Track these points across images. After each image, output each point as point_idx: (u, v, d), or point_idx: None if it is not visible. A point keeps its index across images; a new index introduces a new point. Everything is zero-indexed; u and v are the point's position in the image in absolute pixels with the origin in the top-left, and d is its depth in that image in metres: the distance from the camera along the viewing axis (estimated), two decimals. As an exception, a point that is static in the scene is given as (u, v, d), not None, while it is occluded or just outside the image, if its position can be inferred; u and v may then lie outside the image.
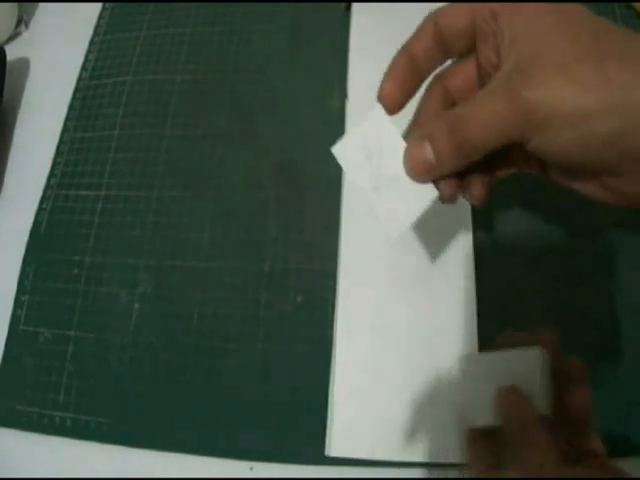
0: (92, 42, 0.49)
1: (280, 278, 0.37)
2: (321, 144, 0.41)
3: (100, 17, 0.50)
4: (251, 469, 0.33)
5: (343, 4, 0.47)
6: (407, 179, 0.23)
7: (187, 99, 0.45)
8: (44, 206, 0.42)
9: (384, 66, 0.45)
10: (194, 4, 0.49)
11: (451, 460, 0.31)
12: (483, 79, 0.22)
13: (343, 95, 0.43)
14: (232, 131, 0.43)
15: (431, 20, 0.23)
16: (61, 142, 0.45)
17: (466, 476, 0.31)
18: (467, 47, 0.23)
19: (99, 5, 0.51)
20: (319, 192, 0.40)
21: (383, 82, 0.24)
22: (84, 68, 0.48)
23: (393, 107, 0.24)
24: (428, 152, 0.21)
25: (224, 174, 0.41)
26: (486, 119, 0.20)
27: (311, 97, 0.43)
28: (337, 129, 0.41)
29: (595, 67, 0.19)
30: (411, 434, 0.32)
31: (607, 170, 0.20)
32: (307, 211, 0.39)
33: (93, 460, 0.34)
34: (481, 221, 0.37)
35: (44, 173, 0.43)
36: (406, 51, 0.23)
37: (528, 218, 0.37)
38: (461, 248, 0.36)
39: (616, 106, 0.18)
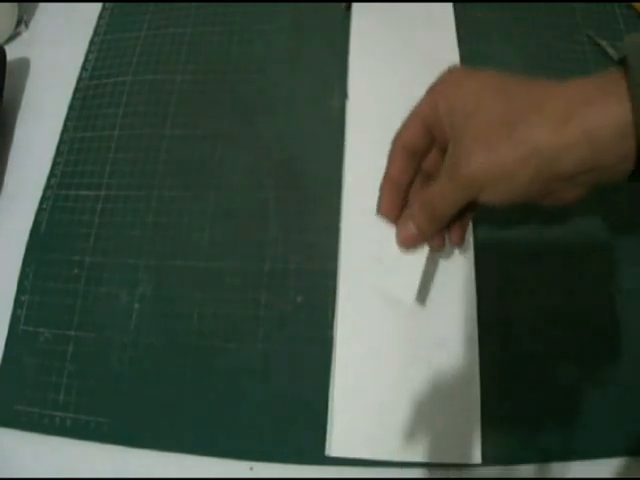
0: (92, 42, 0.49)
1: (280, 278, 0.37)
2: (321, 144, 0.42)
3: (100, 17, 0.50)
4: (251, 469, 0.33)
5: (343, 4, 0.47)
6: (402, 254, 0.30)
7: (187, 99, 0.45)
8: (44, 206, 0.42)
9: (384, 66, 0.46)
10: (194, 4, 0.49)
11: (451, 460, 0.31)
12: (444, 156, 0.28)
13: (343, 95, 0.43)
14: (232, 131, 0.43)
15: (398, 145, 0.30)
16: (61, 142, 0.44)
17: (465, 476, 0.31)
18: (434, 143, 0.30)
19: (99, 5, 0.51)
20: (319, 192, 0.40)
21: (378, 207, 0.31)
22: (84, 68, 0.48)
23: (394, 219, 0.30)
24: (411, 227, 0.29)
25: (224, 174, 0.41)
26: (443, 196, 0.27)
27: (311, 97, 0.43)
28: (337, 129, 0.41)
29: (508, 133, 0.24)
30: (411, 434, 0.32)
31: (536, 198, 0.26)
32: (307, 211, 0.39)
33: (93, 460, 0.34)
34: (481, 221, 0.37)
35: (44, 173, 0.43)
36: (388, 179, 0.30)
37: (528, 218, 0.37)
38: (461, 247, 0.36)
39: (529, 159, 0.24)
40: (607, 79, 0.23)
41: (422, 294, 0.34)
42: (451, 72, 0.28)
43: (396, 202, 0.30)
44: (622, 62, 0.23)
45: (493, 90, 0.26)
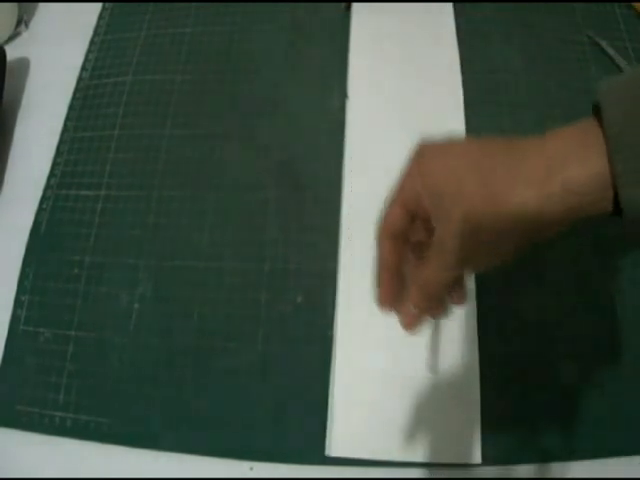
0: (92, 42, 0.49)
1: (280, 278, 0.37)
2: (321, 144, 0.42)
3: (100, 17, 0.50)
4: (251, 469, 0.33)
5: (343, 4, 0.47)
6: None
7: (187, 99, 0.45)
8: (44, 206, 0.42)
9: (384, 66, 0.46)
10: (194, 4, 0.49)
11: (451, 460, 0.31)
12: (430, 232, 0.29)
13: (343, 95, 0.43)
14: (232, 131, 0.43)
15: (383, 235, 0.30)
16: (61, 142, 0.44)
17: (465, 476, 0.31)
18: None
19: (99, 5, 0.51)
20: (319, 192, 0.40)
21: (378, 299, 0.30)
22: (84, 68, 0.48)
23: (390, 306, 0.30)
24: (411, 308, 0.29)
25: (224, 174, 0.41)
26: (436, 276, 0.27)
27: (311, 97, 0.43)
28: (337, 129, 0.41)
29: (494, 207, 0.24)
30: (411, 434, 0.32)
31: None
32: (307, 211, 0.39)
33: (93, 460, 0.34)
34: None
35: (44, 173, 0.43)
36: (383, 267, 0.30)
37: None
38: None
39: (514, 229, 0.25)
40: (584, 131, 0.24)
41: (434, 363, 0.34)
42: (423, 151, 0.28)
43: (394, 288, 0.30)
44: (596, 110, 0.24)
45: (471, 164, 0.26)
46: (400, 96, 0.42)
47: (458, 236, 0.25)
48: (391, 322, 0.35)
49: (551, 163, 0.24)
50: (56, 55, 0.49)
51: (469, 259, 0.26)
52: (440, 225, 0.27)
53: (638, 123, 0.22)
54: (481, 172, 0.25)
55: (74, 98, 0.46)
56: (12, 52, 0.48)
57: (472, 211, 0.25)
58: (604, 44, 0.43)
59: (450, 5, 0.46)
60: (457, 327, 0.34)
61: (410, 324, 0.30)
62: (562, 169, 0.23)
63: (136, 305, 0.37)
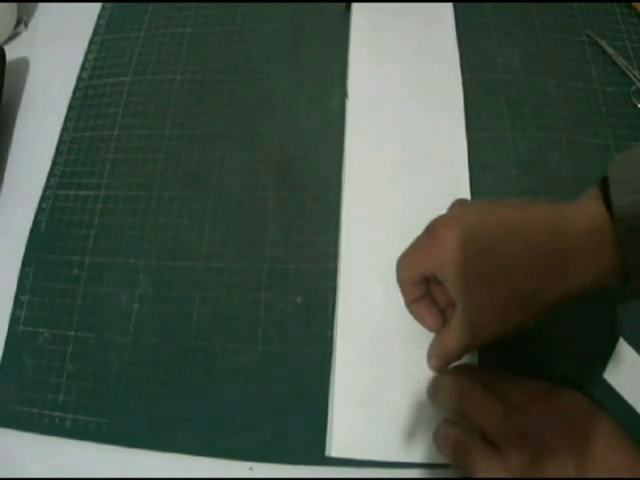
0: (92, 42, 0.49)
1: (280, 278, 0.37)
2: (321, 144, 0.42)
3: (100, 17, 0.50)
4: (251, 469, 0.33)
5: (343, 4, 0.47)
6: None
7: (187, 99, 0.45)
8: (44, 206, 0.42)
9: (384, 66, 0.46)
10: (194, 4, 0.49)
11: (451, 460, 0.31)
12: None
13: (343, 95, 0.43)
14: (232, 131, 0.43)
15: (405, 284, 0.33)
16: (61, 142, 0.44)
17: (465, 476, 0.31)
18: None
19: (99, 5, 0.51)
20: (319, 192, 0.40)
21: (429, 326, 0.33)
22: (84, 68, 0.48)
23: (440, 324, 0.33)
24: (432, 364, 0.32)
25: (224, 174, 0.41)
26: (456, 348, 0.30)
27: (311, 97, 0.43)
28: (337, 129, 0.41)
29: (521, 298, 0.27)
30: (411, 434, 0.32)
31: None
32: (307, 211, 0.39)
33: (93, 460, 0.34)
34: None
35: (44, 173, 0.43)
36: (411, 303, 0.33)
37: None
38: None
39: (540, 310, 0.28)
40: (597, 227, 0.25)
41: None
42: (440, 233, 0.30)
43: (434, 312, 0.32)
44: (607, 203, 0.25)
45: (484, 251, 0.28)
46: (400, 96, 0.42)
47: (481, 323, 0.28)
48: (389, 321, 0.35)
49: (567, 262, 0.26)
50: (56, 55, 0.49)
51: (492, 338, 0.28)
52: (462, 302, 0.29)
53: None
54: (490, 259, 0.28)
55: (74, 98, 0.46)
56: (12, 52, 0.48)
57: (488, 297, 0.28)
58: (604, 44, 0.43)
59: (450, 5, 0.46)
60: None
61: (434, 366, 0.32)
62: (579, 272, 0.26)
63: (136, 305, 0.37)
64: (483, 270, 0.27)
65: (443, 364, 0.31)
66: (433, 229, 0.30)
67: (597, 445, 0.26)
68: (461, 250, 0.28)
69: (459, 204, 0.32)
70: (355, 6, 0.46)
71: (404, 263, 0.32)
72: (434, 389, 0.32)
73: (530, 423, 0.28)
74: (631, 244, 0.24)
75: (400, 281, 0.33)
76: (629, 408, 0.32)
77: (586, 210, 0.26)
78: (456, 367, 0.33)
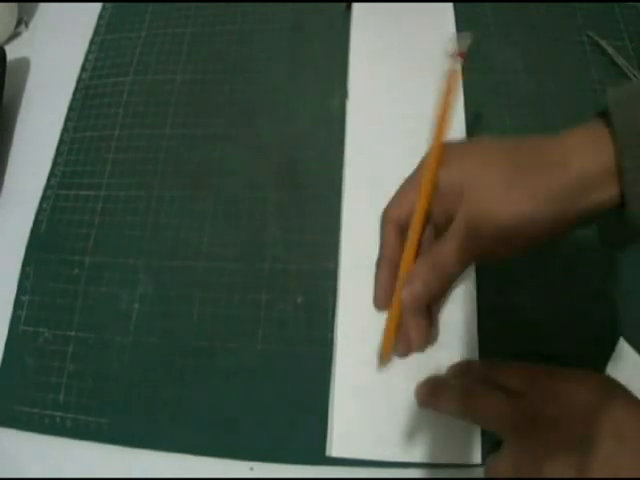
0: (92, 42, 0.49)
1: (280, 278, 0.37)
2: (321, 144, 0.42)
3: (100, 17, 0.50)
4: (251, 469, 0.33)
5: (343, 4, 0.47)
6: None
7: (187, 99, 0.45)
8: (44, 206, 0.42)
9: (384, 66, 0.46)
10: (194, 4, 0.49)
11: (451, 460, 0.31)
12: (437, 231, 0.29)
13: (343, 95, 0.43)
14: (232, 131, 0.43)
15: (390, 222, 0.29)
16: (61, 142, 0.45)
17: (465, 476, 0.31)
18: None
19: (99, 5, 0.51)
20: (319, 192, 0.40)
21: (377, 299, 0.29)
22: (84, 68, 0.48)
23: (387, 306, 0.29)
24: (417, 286, 0.27)
25: (224, 174, 0.41)
26: (455, 254, 0.26)
27: (311, 97, 0.43)
28: (337, 129, 0.41)
29: (521, 183, 0.26)
30: (412, 434, 0.32)
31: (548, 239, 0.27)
32: (307, 211, 0.39)
33: (93, 460, 0.34)
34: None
35: (44, 173, 0.43)
36: (386, 263, 0.29)
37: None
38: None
39: (546, 202, 0.25)
40: (595, 130, 0.26)
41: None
42: (445, 148, 0.28)
43: (393, 288, 0.29)
44: (605, 115, 0.25)
45: (495, 158, 0.27)
46: (400, 96, 0.42)
47: (490, 214, 0.26)
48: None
49: (568, 154, 0.25)
50: (56, 55, 0.49)
51: (500, 237, 0.26)
52: (464, 207, 0.26)
53: None
54: (507, 165, 0.26)
55: (74, 98, 0.46)
56: (12, 52, 0.48)
57: (501, 192, 0.26)
58: (604, 44, 0.43)
59: (450, 5, 0.46)
60: (457, 327, 0.34)
61: (413, 300, 0.27)
62: (579, 160, 0.25)
63: (136, 305, 0.37)
64: (488, 163, 0.27)
65: (438, 277, 0.27)
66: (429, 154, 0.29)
67: (609, 416, 0.26)
68: (464, 157, 0.27)
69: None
70: (355, 6, 0.46)
71: (393, 199, 0.30)
72: (433, 395, 0.32)
73: (536, 407, 0.28)
74: (630, 147, 0.24)
75: (385, 219, 0.30)
76: (629, 408, 0.32)
77: (584, 126, 0.27)
78: (453, 367, 0.33)
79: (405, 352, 0.29)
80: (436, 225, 0.29)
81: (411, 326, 0.28)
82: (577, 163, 0.25)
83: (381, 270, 0.29)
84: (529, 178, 0.26)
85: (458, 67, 0.27)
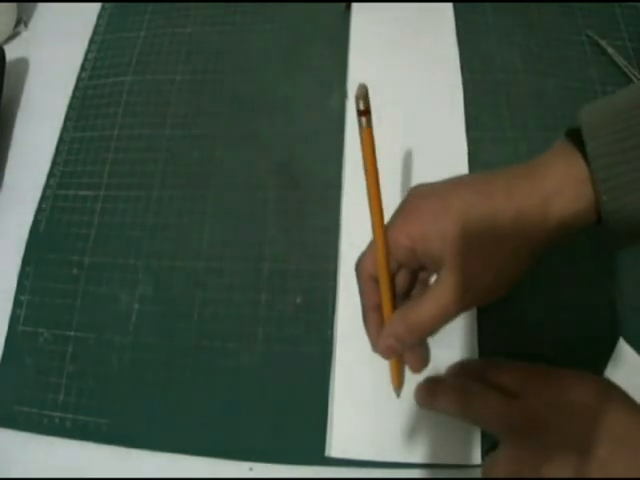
0: (92, 42, 0.49)
1: (280, 278, 0.37)
2: (321, 144, 0.42)
3: (100, 17, 0.50)
4: (251, 469, 0.33)
5: (343, 4, 0.47)
6: None
7: (187, 99, 0.45)
8: (43, 206, 0.42)
9: (384, 66, 0.46)
10: (194, 4, 0.49)
11: (451, 461, 0.31)
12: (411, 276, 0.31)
13: (343, 95, 0.43)
14: (232, 131, 0.43)
15: (365, 276, 0.30)
16: (61, 142, 0.44)
17: (465, 476, 0.31)
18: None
19: (99, 5, 0.51)
20: (319, 192, 0.40)
21: (372, 343, 0.32)
22: (84, 68, 0.48)
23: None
24: (393, 342, 0.29)
25: (224, 174, 0.41)
26: (434, 316, 0.28)
27: (311, 97, 0.43)
28: (337, 129, 0.41)
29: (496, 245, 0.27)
30: (411, 435, 0.32)
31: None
32: (307, 211, 0.39)
33: (93, 460, 0.34)
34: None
35: (43, 173, 0.43)
36: (370, 312, 0.31)
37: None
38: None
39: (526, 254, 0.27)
40: (570, 164, 0.26)
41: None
42: (410, 198, 0.30)
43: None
44: (578, 141, 0.26)
45: (464, 195, 0.28)
46: (400, 96, 0.42)
47: (476, 279, 0.27)
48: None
49: (548, 201, 0.26)
50: (56, 55, 0.49)
51: (470, 285, 0.27)
52: (444, 269, 0.27)
53: (618, 157, 0.25)
54: (476, 194, 0.28)
55: (73, 98, 0.46)
56: (11, 52, 0.48)
57: (469, 212, 0.27)
58: (604, 44, 0.43)
59: (450, 5, 0.46)
60: (457, 327, 0.34)
61: (388, 352, 0.30)
62: (557, 201, 0.26)
63: (136, 305, 0.37)
64: (468, 224, 0.27)
65: (416, 337, 0.29)
66: (408, 201, 0.30)
67: (607, 418, 0.26)
68: (443, 212, 0.28)
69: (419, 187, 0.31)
70: (355, 6, 0.46)
71: (362, 254, 0.31)
72: (431, 395, 0.32)
73: (534, 407, 0.28)
74: (606, 179, 0.25)
75: (357, 273, 0.31)
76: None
77: (558, 154, 0.27)
78: (452, 367, 0.33)
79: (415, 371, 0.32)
80: (412, 270, 0.31)
81: (407, 357, 0.32)
82: (557, 214, 0.26)
83: (369, 318, 0.31)
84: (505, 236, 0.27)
85: (365, 123, 0.28)
